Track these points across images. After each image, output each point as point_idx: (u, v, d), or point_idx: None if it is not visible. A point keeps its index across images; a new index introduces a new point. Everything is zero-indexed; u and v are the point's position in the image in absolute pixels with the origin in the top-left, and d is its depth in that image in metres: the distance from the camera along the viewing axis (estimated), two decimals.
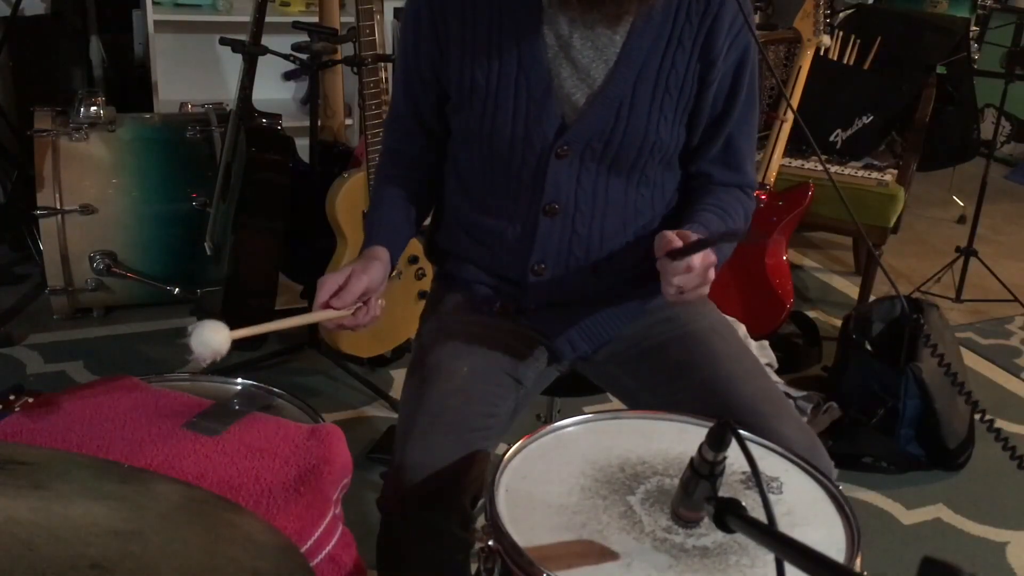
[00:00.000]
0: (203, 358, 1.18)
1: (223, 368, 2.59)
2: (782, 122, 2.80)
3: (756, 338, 2.66)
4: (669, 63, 1.38)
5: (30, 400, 1.28)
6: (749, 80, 1.44)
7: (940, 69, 3.32)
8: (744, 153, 1.49)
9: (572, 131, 1.39)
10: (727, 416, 0.96)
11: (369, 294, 1.35)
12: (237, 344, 1.20)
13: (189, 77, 3.77)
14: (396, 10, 3.53)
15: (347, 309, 1.33)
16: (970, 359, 3.03)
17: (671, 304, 1.41)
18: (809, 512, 1.13)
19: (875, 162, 3.23)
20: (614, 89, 1.38)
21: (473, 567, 1.30)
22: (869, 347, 2.55)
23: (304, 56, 2.53)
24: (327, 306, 1.32)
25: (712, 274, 1.25)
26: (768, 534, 0.86)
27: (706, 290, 1.26)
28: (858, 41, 3.30)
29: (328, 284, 1.32)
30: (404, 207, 1.51)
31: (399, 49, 1.50)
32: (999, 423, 2.67)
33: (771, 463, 1.21)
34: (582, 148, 1.40)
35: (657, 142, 1.41)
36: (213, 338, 1.18)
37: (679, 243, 1.23)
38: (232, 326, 1.20)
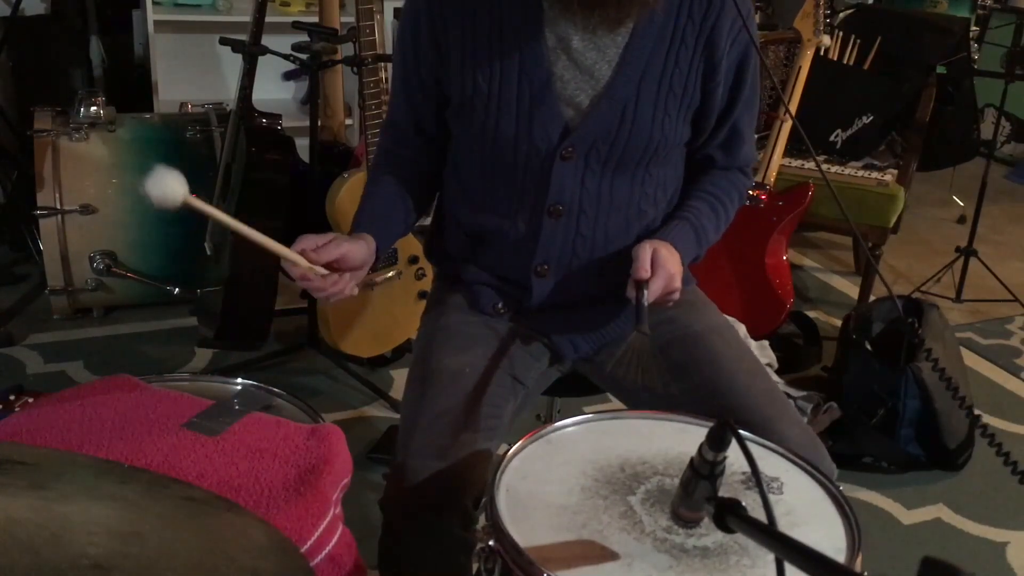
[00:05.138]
0: (156, 198, 1.16)
1: (223, 368, 2.61)
2: (782, 122, 2.80)
3: (756, 338, 2.66)
4: (672, 62, 1.38)
5: (30, 400, 1.28)
6: (752, 73, 1.45)
7: (940, 69, 3.32)
8: (745, 136, 1.52)
9: (577, 133, 1.38)
10: (727, 417, 0.96)
11: (344, 264, 1.34)
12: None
13: (189, 77, 3.77)
14: (396, 10, 3.52)
15: (318, 265, 1.32)
16: (970, 359, 3.03)
17: (670, 306, 1.42)
18: (809, 512, 1.13)
19: (875, 162, 3.23)
20: (619, 90, 1.37)
21: (474, 567, 1.30)
22: (869, 347, 2.55)
23: (304, 56, 2.53)
24: (302, 254, 1.32)
25: (677, 284, 1.36)
26: (768, 534, 0.86)
27: (676, 295, 1.37)
28: (858, 41, 3.30)
29: (308, 238, 1.33)
30: (395, 204, 1.50)
31: (397, 54, 1.49)
32: (999, 423, 2.69)
33: (771, 463, 1.21)
34: (587, 150, 1.40)
35: (662, 141, 1.41)
36: (170, 187, 1.15)
37: (644, 274, 1.33)
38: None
